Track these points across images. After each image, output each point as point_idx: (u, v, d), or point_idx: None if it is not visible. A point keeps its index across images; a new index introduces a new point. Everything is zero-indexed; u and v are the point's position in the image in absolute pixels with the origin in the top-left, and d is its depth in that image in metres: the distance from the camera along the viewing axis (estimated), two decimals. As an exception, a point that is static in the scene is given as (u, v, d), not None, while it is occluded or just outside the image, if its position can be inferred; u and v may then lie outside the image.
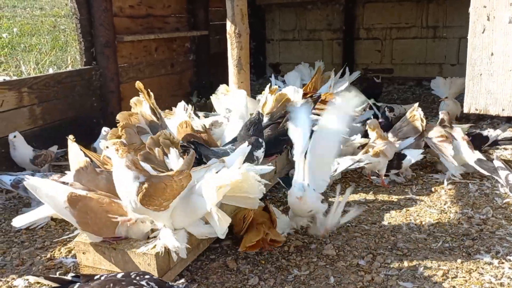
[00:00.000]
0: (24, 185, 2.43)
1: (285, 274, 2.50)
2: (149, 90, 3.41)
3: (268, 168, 2.64)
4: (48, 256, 2.75)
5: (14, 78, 4.58)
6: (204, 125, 3.33)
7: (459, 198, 3.35)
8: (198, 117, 3.87)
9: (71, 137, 2.62)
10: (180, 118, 3.37)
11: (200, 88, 6.69)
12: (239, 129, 3.23)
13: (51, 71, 5.36)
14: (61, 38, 7.58)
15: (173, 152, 2.73)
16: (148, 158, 2.78)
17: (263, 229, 2.64)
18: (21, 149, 3.80)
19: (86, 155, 2.66)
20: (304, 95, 3.96)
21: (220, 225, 2.26)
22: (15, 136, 3.76)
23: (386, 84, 7.57)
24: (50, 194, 2.27)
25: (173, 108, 3.84)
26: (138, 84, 3.33)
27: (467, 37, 3.82)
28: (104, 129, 3.95)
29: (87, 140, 4.38)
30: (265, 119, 3.49)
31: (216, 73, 6.55)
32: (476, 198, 3.32)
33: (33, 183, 2.26)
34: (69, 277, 2.01)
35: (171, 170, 2.73)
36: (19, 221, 2.46)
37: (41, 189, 2.26)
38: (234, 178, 2.23)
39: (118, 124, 3.15)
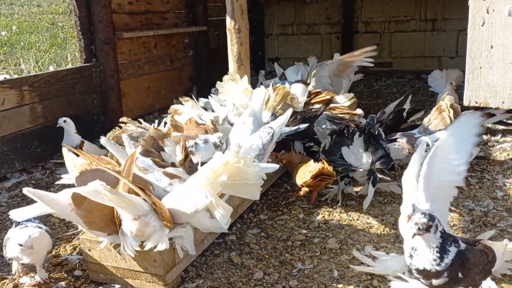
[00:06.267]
0: None
1: (289, 268, 2.52)
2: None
3: (274, 166, 2.64)
4: (53, 253, 2.76)
5: (15, 76, 4.58)
6: (211, 119, 3.30)
7: (460, 191, 3.35)
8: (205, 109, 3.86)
9: (65, 149, 2.64)
10: (188, 115, 3.38)
11: (199, 84, 6.70)
12: (250, 126, 3.20)
13: (51, 69, 5.36)
14: (59, 35, 7.57)
15: (168, 141, 2.77)
16: (148, 156, 2.80)
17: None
18: None
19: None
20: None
21: (222, 214, 2.23)
22: None
23: (385, 77, 7.59)
24: (54, 198, 2.24)
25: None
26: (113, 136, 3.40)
27: (466, 29, 3.83)
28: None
29: (88, 137, 4.39)
30: (268, 114, 3.48)
31: (216, 68, 6.56)
32: (477, 191, 3.34)
33: (34, 190, 2.18)
34: None
35: (173, 163, 2.76)
36: (19, 215, 2.39)
37: (43, 195, 2.21)
38: (227, 159, 2.18)
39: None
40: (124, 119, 3.55)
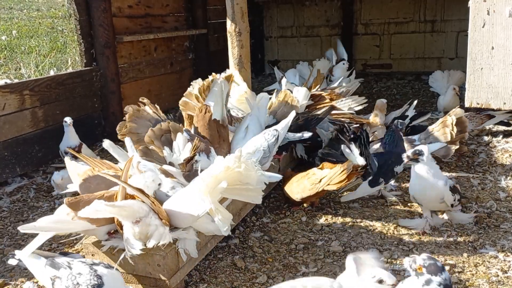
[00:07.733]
0: None
1: (293, 272, 2.51)
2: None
3: (277, 176, 2.62)
4: (56, 258, 2.75)
5: (16, 81, 4.58)
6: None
7: (462, 193, 3.35)
8: None
9: (67, 158, 2.63)
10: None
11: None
12: (252, 130, 3.18)
13: (52, 73, 5.36)
14: (59, 39, 7.57)
15: (180, 137, 2.75)
16: (147, 153, 2.80)
17: None
18: None
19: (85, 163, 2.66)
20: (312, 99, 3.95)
21: (222, 221, 2.21)
22: None
23: (385, 79, 7.60)
24: (53, 219, 2.24)
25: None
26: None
27: (465, 30, 3.84)
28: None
29: (89, 141, 4.40)
30: (270, 117, 3.48)
31: (216, 71, 6.53)
32: (480, 192, 3.34)
33: (30, 225, 2.16)
34: None
35: (170, 163, 2.76)
36: (25, 253, 2.28)
37: (41, 225, 2.19)
38: (227, 164, 2.15)
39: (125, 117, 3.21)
40: (143, 99, 3.45)
